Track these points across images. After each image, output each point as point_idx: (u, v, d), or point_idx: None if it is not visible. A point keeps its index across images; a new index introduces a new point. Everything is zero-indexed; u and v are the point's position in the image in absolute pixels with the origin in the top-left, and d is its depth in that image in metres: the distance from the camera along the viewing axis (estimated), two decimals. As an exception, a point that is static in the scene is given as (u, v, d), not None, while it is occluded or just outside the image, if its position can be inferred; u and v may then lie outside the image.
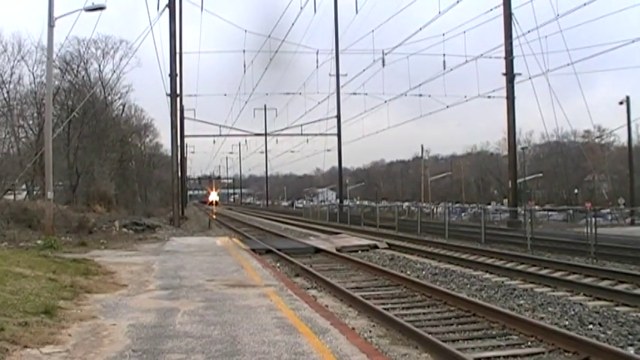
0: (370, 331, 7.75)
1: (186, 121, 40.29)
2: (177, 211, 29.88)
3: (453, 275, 12.81)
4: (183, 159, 41.79)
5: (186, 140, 44.04)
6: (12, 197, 33.07)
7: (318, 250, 18.08)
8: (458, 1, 24.18)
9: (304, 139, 52.14)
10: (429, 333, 7.41)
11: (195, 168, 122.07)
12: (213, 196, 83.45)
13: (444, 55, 29.68)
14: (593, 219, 17.82)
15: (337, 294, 10.51)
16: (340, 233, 25.40)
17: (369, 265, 14.29)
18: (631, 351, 6.74)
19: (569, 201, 65.48)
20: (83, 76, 42.81)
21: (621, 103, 39.24)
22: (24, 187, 37.12)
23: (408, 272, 13.62)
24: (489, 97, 31.01)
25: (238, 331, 6.79)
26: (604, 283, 11.36)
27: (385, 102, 37.12)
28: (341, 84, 42.08)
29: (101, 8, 20.08)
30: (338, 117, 43.28)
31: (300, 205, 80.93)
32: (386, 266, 14.66)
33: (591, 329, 7.83)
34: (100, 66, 43.93)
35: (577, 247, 17.01)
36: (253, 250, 17.41)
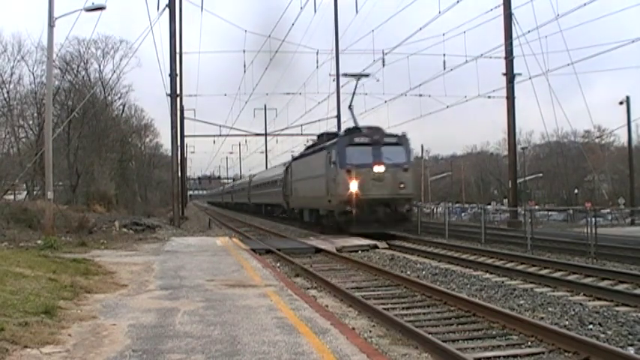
0: (370, 331, 7.76)
1: (186, 121, 40.16)
2: (177, 211, 29.88)
3: (453, 275, 12.81)
4: (183, 159, 41.75)
5: (186, 140, 43.91)
6: (12, 197, 33.11)
7: (318, 250, 18.09)
8: (458, 1, 24.15)
9: (304, 139, 51.78)
10: (429, 333, 7.41)
11: (195, 168, 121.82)
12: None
13: (444, 55, 29.59)
14: (593, 219, 17.81)
15: (337, 294, 10.52)
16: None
17: (369, 265, 14.29)
18: (631, 351, 6.75)
19: (569, 201, 65.50)
20: (83, 76, 42.88)
21: (621, 103, 39.23)
22: (24, 187, 37.15)
23: (408, 272, 13.62)
24: (489, 97, 30.95)
25: (238, 331, 6.79)
26: (604, 283, 11.36)
27: (385, 102, 36.85)
28: (341, 84, 41.99)
29: (101, 8, 20.07)
30: (338, 117, 43.21)
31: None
32: (386, 266, 14.66)
33: (591, 329, 7.84)
34: (100, 66, 44.03)
35: (577, 247, 17.01)
36: (253, 250, 17.40)
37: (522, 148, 60.45)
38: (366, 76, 27.11)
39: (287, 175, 32.66)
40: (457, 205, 56.39)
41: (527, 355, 6.75)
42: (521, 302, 9.70)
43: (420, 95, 33.64)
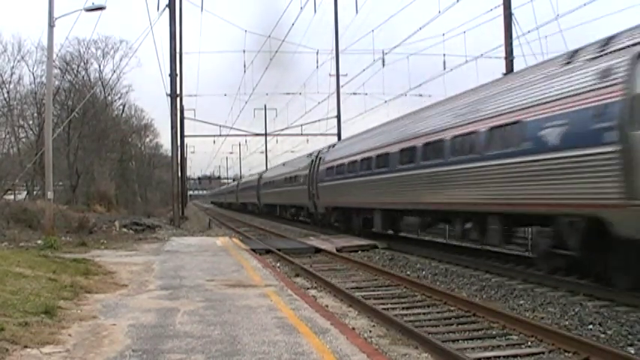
0: (370, 331, 7.76)
1: (186, 121, 40.23)
2: (178, 211, 29.88)
3: (453, 275, 12.81)
4: (183, 159, 41.79)
5: (186, 140, 43.99)
6: (12, 197, 33.13)
7: (318, 250, 18.09)
8: (458, 1, 24.10)
9: (304, 139, 51.76)
10: (429, 333, 7.42)
11: (195, 168, 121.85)
12: None
13: (444, 55, 29.56)
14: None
15: (337, 294, 10.52)
16: (340, 233, 25.38)
17: (369, 265, 14.29)
18: (631, 351, 6.75)
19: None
20: (83, 76, 43.02)
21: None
22: (24, 187, 37.18)
23: (408, 272, 13.62)
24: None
25: (238, 331, 6.79)
26: (604, 283, 11.33)
27: (385, 102, 36.73)
28: (341, 84, 42.03)
29: (101, 8, 20.10)
30: (338, 117, 43.29)
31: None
32: (386, 266, 14.66)
33: (591, 329, 7.83)
34: (100, 66, 44.21)
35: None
36: (253, 250, 17.40)
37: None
38: None
39: None
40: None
41: (527, 355, 6.75)
42: (521, 302, 9.70)
43: (420, 95, 33.65)
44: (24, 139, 40.71)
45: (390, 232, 20.62)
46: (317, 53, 40.55)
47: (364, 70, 50.40)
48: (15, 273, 10.24)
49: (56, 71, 35.26)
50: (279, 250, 17.43)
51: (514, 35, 26.39)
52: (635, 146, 8.53)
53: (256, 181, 47.54)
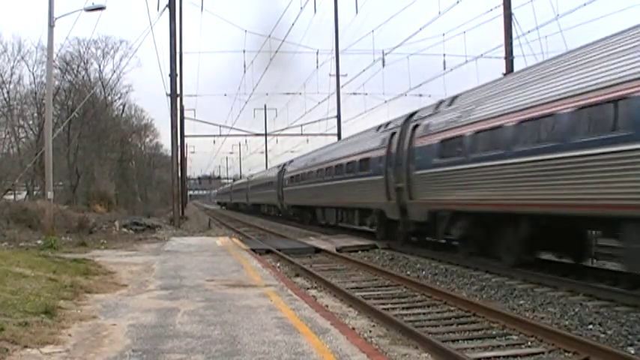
0: (370, 331, 7.76)
1: (186, 121, 40.27)
2: (178, 211, 29.87)
3: (453, 275, 12.81)
4: (183, 159, 41.76)
5: (186, 140, 43.99)
6: (12, 197, 33.14)
7: (318, 250, 18.08)
8: (458, 1, 24.12)
9: (304, 139, 51.80)
10: (429, 333, 7.42)
11: (195, 168, 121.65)
12: None
13: (444, 55, 29.59)
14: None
15: (337, 294, 10.52)
16: (340, 233, 25.37)
17: (369, 265, 14.29)
18: (631, 351, 6.75)
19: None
20: (83, 76, 43.04)
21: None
22: (24, 187, 37.20)
23: (408, 272, 13.62)
24: (491, 96, 30.73)
25: (238, 331, 6.79)
26: (604, 284, 11.34)
27: (385, 102, 36.74)
28: (341, 84, 42.06)
29: (101, 8, 20.11)
30: (338, 117, 43.30)
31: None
32: (386, 266, 14.65)
33: (591, 329, 7.83)
34: (100, 66, 44.25)
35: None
36: (253, 250, 17.40)
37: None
38: None
39: None
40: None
41: (527, 355, 6.75)
42: (521, 302, 9.69)
43: (420, 95, 33.67)
44: (24, 139, 40.75)
45: None
46: (317, 53, 40.62)
47: (364, 70, 50.59)
48: (15, 273, 10.24)
49: (56, 71, 35.29)
50: (279, 250, 17.43)
51: (514, 35, 26.37)
52: None
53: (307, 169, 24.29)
